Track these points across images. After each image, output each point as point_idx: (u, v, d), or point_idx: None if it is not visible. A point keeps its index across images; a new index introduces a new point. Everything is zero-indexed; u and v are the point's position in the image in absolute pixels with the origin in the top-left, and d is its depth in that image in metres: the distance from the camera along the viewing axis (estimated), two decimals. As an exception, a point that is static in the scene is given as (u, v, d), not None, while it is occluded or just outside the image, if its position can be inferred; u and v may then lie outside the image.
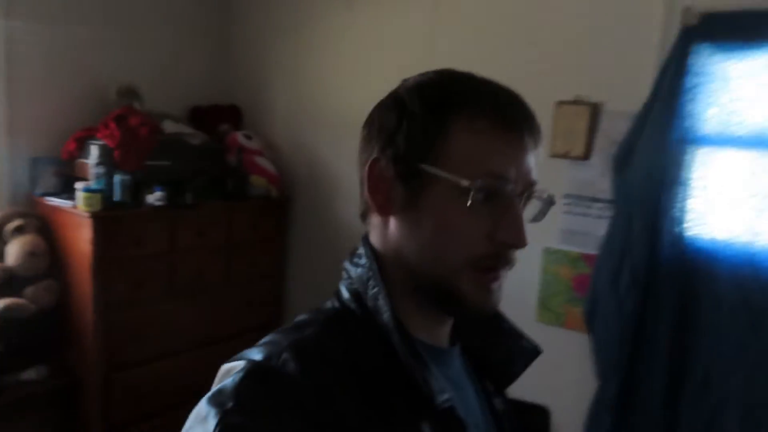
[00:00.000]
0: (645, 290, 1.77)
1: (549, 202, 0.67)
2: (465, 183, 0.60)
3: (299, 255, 2.88)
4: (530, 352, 0.76)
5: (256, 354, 0.60)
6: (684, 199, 1.73)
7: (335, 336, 0.63)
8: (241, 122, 3.00)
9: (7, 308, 2.08)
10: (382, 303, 0.63)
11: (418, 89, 0.65)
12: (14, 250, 2.17)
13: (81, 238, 2.14)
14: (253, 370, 0.57)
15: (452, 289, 0.62)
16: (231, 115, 2.98)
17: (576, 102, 1.88)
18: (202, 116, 2.90)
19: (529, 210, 0.66)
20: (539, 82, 1.75)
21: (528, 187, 0.64)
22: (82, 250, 2.14)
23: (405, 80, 0.68)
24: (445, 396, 0.61)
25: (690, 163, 1.72)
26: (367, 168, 0.66)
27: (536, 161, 0.65)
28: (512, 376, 0.76)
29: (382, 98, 0.69)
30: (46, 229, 2.28)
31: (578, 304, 1.98)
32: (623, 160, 1.78)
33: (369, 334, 0.63)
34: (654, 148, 1.71)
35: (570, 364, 2.01)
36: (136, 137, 2.30)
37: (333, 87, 2.65)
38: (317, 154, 2.77)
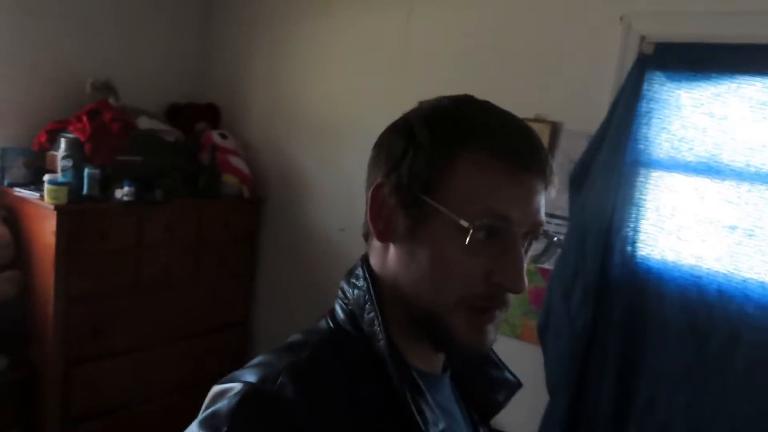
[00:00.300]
0: (595, 308, 1.81)
1: (557, 245, 0.66)
2: (464, 223, 0.58)
3: (270, 254, 2.90)
4: (512, 385, 0.76)
5: (250, 376, 0.58)
6: (636, 220, 1.78)
7: (331, 360, 0.62)
8: (218, 121, 3.01)
9: (-33, 297, 2.09)
10: (378, 330, 0.62)
11: (429, 119, 0.64)
12: (-22, 240, 2.18)
13: (46, 230, 2.14)
14: (248, 393, 0.56)
15: (445, 327, 0.62)
16: (209, 113, 2.99)
17: (537, 120, 1.92)
18: (179, 114, 2.91)
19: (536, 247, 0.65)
20: (503, 97, 1.78)
21: (534, 229, 0.62)
22: (47, 243, 2.15)
23: (421, 103, 0.67)
24: (439, 427, 0.61)
25: (642, 185, 1.76)
26: (370, 192, 0.65)
27: (546, 202, 0.63)
28: (496, 407, 0.76)
29: (395, 120, 0.67)
30: (12, 220, 2.28)
31: (534, 317, 2.02)
32: (579, 178, 1.83)
33: (364, 358, 0.63)
34: (608, 169, 1.75)
35: (524, 376, 2.03)
36: (107, 132, 2.31)
37: (307, 90, 2.68)
38: (290, 155, 2.79)
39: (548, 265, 1.96)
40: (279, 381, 0.57)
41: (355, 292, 0.66)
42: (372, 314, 0.63)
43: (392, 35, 2.36)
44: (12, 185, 2.31)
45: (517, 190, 0.60)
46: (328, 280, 2.27)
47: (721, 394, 1.66)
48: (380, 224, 0.65)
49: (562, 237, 0.73)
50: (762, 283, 1.60)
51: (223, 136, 2.80)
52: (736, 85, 1.60)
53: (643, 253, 1.78)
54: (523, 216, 0.60)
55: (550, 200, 0.64)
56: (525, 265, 0.62)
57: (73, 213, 2.13)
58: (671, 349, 1.73)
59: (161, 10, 2.85)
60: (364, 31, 2.46)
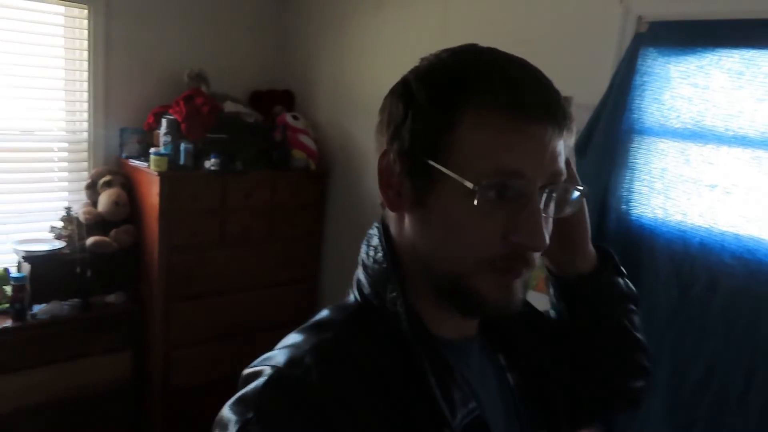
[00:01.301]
0: (594, 259, 2.05)
1: (582, 194, 0.62)
2: (469, 185, 0.55)
3: (334, 220, 3.32)
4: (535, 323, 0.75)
5: (277, 358, 0.58)
6: (630, 182, 1.99)
7: (357, 339, 0.61)
8: (293, 105, 3.47)
9: (95, 244, 2.68)
10: (401, 311, 0.61)
11: (427, 76, 0.60)
12: (103, 200, 2.77)
13: (151, 192, 2.69)
14: (274, 378, 0.56)
15: (470, 291, 0.59)
16: (285, 98, 3.46)
17: (551, 95, 2.17)
18: (260, 99, 3.40)
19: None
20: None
21: (552, 180, 0.58)
22: (152, 203, 2.70)
23: (422, 59, 0.63)
24: (469, 407, 0.60)
25: (636, 151, 1.97)
26: (377, 161, 0.63)
27: (564, 150, 0.59)
28: (525, 353, 0.73)
29: (396, 83, 0.64)
30: (128, 185, 2.86)
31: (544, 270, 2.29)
32: (583, 145, 2.06)
33: (391, 338, 0.61)
34: (606, 137, 1.98)
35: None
36: (199, 114, 2.83)
37: (363, 76, 3.06)
38: (351, 133, 3.19)
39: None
40: (304, 363, 0.57)
41: (375, 266, 0.64)
42: (394, 293, 0.61)
43: (432, 24, 2.68)
44: (128, 158, 2.89)
45: (527, 143, 0.56)
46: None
47: (700, 334, 1.85)
48: (390, 193, 0.63)
49: (586, 187, 0.63)
50: (737, 235, 1.77)
51: (295, 117, 3.25)
52: (717, 57, 1.77)
53: (636, 211, 1.99)
54: (536, 169, 0.56)
55: (570, 147, 0.60)
56: (547, 219, 0.59)
57: (171, 178, 2.66)
58: (660, 295, 1.93)
59: (245, 11, 3.34)
60: (409, 21, 2.80)
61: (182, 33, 3.09)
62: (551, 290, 0.83)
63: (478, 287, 0.59)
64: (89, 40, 2.75)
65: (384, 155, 0.62)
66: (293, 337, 0.62)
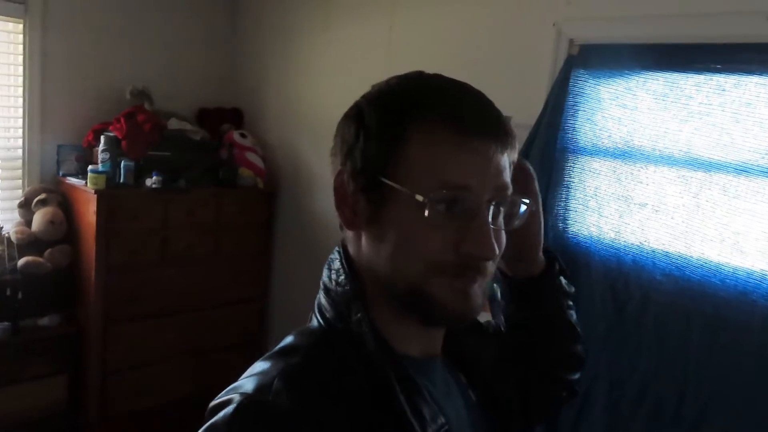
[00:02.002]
0: (533, 277, 2.07)
1: (527, 206, 0.65)
2: (419, 198, 0.58)
3: (284, 238, 3.27)
4: (493, 350, 0.79)
5: (245, 386, 0.58)
6: (566, 200, 2.03)
7: (324, 362, 0.62)
8: (242, 123, 3.44)
9: (27, 264, 2.57)
10: (367, 331, 0.62)
11: (377, 100, 0.64)
12: (38, 219, 2.66)
13: (89, 211, 2.60)
14: (244, 405, 0.56)
15: (426, 297, 0.61)
16: (233, 116, 3.42)
17: (490, 115, 2.20)
18: (207, 116, 3.36)
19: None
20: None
21: (498, 194, 0.61)
22: (90, 221, 2.61)
23: (372, 86, 0.67)
24: (439, 422, 0.61)
25: (570, 170, 2.01)
26: (333, 182, 0.66)
27: (509, 165, 0.63)
28: (481, 369, 0.76)
29: (348, 108, 0.67)
30: (65, 203, 2.77)
31: (488, 288, 2.30)
32: (521, 165, 2.09)
33: (358, 360, 0.62)
34: (542, 156, 2.01)
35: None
36: (141, 131, 2.76)
37: (311, 94, 3.06)
38: (299, 152, 3.17)
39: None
40: (273, 388, 0.57)
41: (339, 289, 0.65)
42: (359, 315, 0.63)
43: (378, 44, 2.70)
44: (65, 175, 2.80)
45: (471, 157, 0.59)
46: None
47: (636, 351, 1.87)
48: (346, 212, 0.65)
49: (528, 200, 0.66)
50: (667, 253, 1.81)
51: (243, 135, 3.21)
52: (643, 79, 1.82)
53: (572, 229, 2.02)
54: (481, 183, 0.59)
55: (512, 161, 0.64)
56: (498, 231, 0.61)
57: (109, 196, 2.58)
58: (596, 313, 1.96)
59: (194, 27, 3.30)
60: (355, 41, 2.81)
61: (126, 48, 3.03)
62: (499, 292, 0.90)
63: (433, 293, 0.60)
64: (24, 55, 2.67)
65: (338, 175, 0.65)
66: (259, 366, 0.62)
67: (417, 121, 0.60)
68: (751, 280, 1.63)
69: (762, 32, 1.59)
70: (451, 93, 0.62)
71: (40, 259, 2.64)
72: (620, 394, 1.94)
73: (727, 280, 1.67)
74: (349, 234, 0.67)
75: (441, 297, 0.61)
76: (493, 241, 0.60)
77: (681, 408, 1.80)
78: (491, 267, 0.64)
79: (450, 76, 0.66)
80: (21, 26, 2.65)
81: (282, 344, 0.65)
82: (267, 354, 0.64)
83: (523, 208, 0.66)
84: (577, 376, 0.93)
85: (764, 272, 1.61)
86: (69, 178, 2.77)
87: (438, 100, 0.61)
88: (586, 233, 2.00)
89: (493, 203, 0.61)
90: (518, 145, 0.68)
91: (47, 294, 2.68)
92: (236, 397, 0.57)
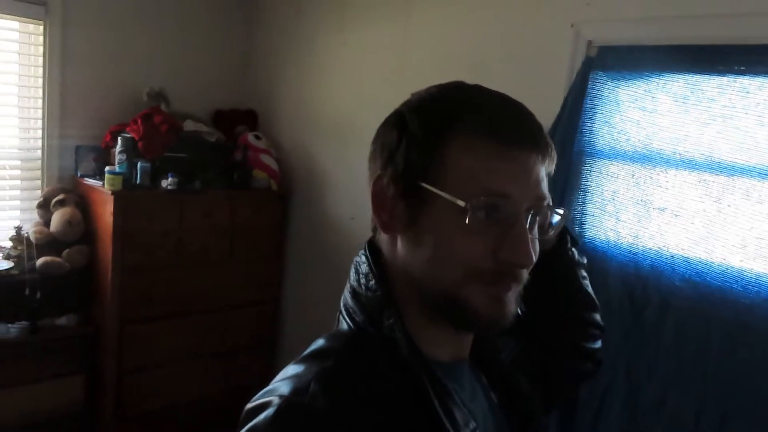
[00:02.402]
0: (549, 281, 2.05)
1: (563, 218, 0.66)
2: (461, 203, 0.59)
3: (297, 240, 3.27)
4: (513, 346, 0.80)
5: (281, 389, 0.59)
6: (582, 204, 2.00)
7: (358, 365, 0.62)
8: (256, 125, 3.45)
9: (46, 264, 2.60)
10: (400, 336, 0.62)
11: (419, 107, 0.65)
12: (56, 219, 2.69)
13: (106, 212, 2.62)
14: (284, 407, 0.56)
15: (461, 302, 0.61)
16: (248, 118, 3.43)
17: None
18: (223, 118, 3.37)
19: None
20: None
21: (536, 203, 0.62)
22: (107, 222, 2.63)
23: (413, 95, 0.68)
24: (471, 426, 0.62)
25: (588, 173, 1.98)
26: (371, 186, 0.66)
27: (546, 176, 0.64)
28: (502, 370, 0.77)
29: (388, 115, 0.69)
30: (83, 204, 2.79)
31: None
32: (538, 168, 2.07)
33: (390, 362, 0.62)
34: (559, 159, 1.98)
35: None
36: (157, 132, 2.78)
37: (325, 96, 3.06)
38: (312, 154, 3.17)
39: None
40: (310, 391, 0.57)
41: (369, 294, 0.66)
42: (392, 320, 0.63)
43: (393, 45, 2.69)
44: (83, 176, 2.82)
45: (511, 167, 0.60)
46: (342, 262, 2.61)
47: (654, 356, 1.85)
48: (384, 216, 0.66)
49: (566, 210, 0.70)
50: (686, 258, 1.78)
51: (257, 137, 3.22)
52: (663, 81, 1.79)
53: (589, 233, 1.99)
54: (521, 191, 0.60)
55: (551, 174, 0.65)
56: (533, 240, 0.62)
57: (126, 197, 2.60)
58: (614, 318, 1.93)
59: (210, 30, 3.32)
60: (369, 43, 2.81)
61: (143, 50, 3.06)
62: None
63: (469, 299, 0.61)
64: (44, 56, 2.70)
65: (378, 180, 0.66)
66: (293, 368, 0.62)
67: (459, 129, 0.61)
68: (774, 287, 1.59)
69: (787, 33, 1.56)
70: (493, 103, 0.64)
71: (59, 259, 2.66)
72: (638, 399, 1.91)
73: (750, 287, 1.64)
74: (384, 237, 0.68)
75: (476, 303, 0.61)
76: (531, 249, 0.60)
77: (701, 415, 1.77)
78: (526, 275, 0.64)
79: (486, 86, 0.67)
80: (41, 28, 2.68)
81: (314, 347, 0.66)
82: (299, 357, 0.64)
83: (557, 218, 0.67)
84: (598, 344, 0.94)
85: (788, 279, 1.58)
86: (87, 178, 2.80)
87: (480, 109, 0.63)
88: (603, 238, 1.97)
89: (531, 212, 0.61)
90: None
91: (65, 294, 2.71)
92: (275, 400, 0.57)
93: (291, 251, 3.31)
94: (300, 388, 0.58)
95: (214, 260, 2.97)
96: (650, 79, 1.83)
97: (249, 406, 0.60)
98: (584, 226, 2.01)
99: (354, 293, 0.68)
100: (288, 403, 0.56)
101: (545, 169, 0.64)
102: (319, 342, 0.66)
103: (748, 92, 1.62)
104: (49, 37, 2.69)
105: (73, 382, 2.75)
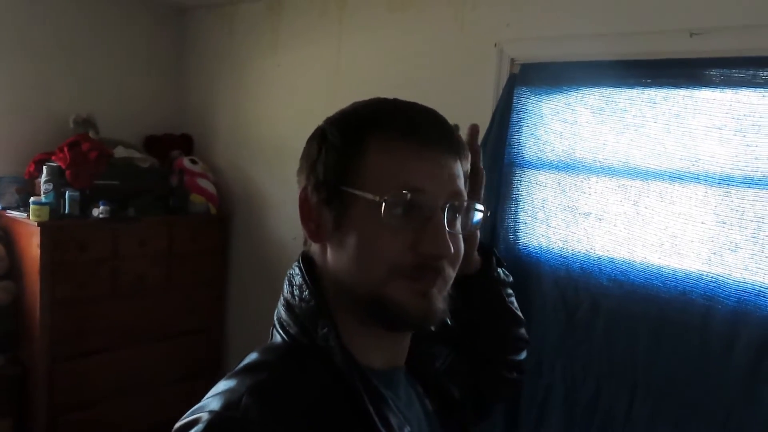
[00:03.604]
0: (487, 289, 2.12)
1: (483, 212, 0.69)
2: (376, 198, 0.61)
3: (239, 263, 3.23)
4: (446, 355, 0.81)
5: (212, 404, 0.58)
6: (515, 213, 2.09)
7: (291, 377, 0.62)
8: (192, 149, 3.40)
9: (-34, 303, 2.45)
10: (334, 345, 0.63)
11: (338, 120, 0.68)
12: (-23, 255, 2.55)
13: (32, 244, 2.50)
14: (214, 423, 0.55)
15: (387, 300, 0.62)
16: (183, 142, 3.38)
17: (439, 133, 2.26)
18: (156, 143, 3.30)
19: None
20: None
21: (452, 198, 0.64)
22: (33, 255, 2.51)
23: (336, 112, 0.71)
24: (406, 431, 0.63)
25: (518, 183, 2.08)
26: (298, 198, 0.68)
27: (462, 174, 0.66)
28: (436, 378, 0.79)
29: (303, 130, 0.72)
30: (6, 238, 2.66)
31: (445, 302, 2.33)
32: (471, 180, 2.15)
33: (325, 373, 0.62)
34: (490, 171, 2.06)
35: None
36: (85, 160, 2.69)
37: (261, 117, 3.06)
38: (251, 175, 3.15)
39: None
40: (242, 404, 0.56)
41: (303, 305, 0.66)
42: (326, 329, 0.63)
43: (326, 67, 2.74)
44: (5, 208, 2.69)
45: (425, 165, 0.63)
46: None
47: (588, 356, 1.94)
48: (311, 225, 0.68)
49: (481, 205, 0.69)
50: (611, 259, 1.89)
51: (193, 161, 3.17)
52: (581, 95, 1.92)
53: (522, 240, 2.09)
54: (436, 187, 0.63)
55: (467, 173, 0.68)
56: (454, 235, 0.64)
57: (54, 228, 2.49)
58: (549, 320, 2.02)
59: (139, 54, 3.26)
60: (303, 65, 2.85)
61: (69, 77, 2.97)
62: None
63: (394, 296, 0.62)
64: (-41, 84, 2.57)
65: (303, 191, 0.68)
66: (224, 384, 0.61)
67: (376, 134, 0.64)
68: (689, 281, 1.72)
69: (686, 48, 1.71)
70: (407, 109, 0.67)
71: (-20, 297, 2.51)
72: (575, 397, 2.00)
73: (668, 282, 1.76)
74: (315, 247, 0.70)
75: (401, 299, 0.62)
76: (448, 239, 0.62)
77: (632, 409, 1.87)
78: (449, 271, 0.66)
79: (393, 92, 0.72)
80: (-45, 56, 2.56)
81: (246, 361, 0.65)
82: (231, 372, 0.64)
83: (479, 215, 0.70)
84: (523, 356, 0.98)
85: (701, 272, 1.71)
86: (9, 211, 2.66)
87: (395, 115, 0.66)
88: (536, 244, 2.06)
89: (448, 207, 0.63)
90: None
91: (-12, 333, 2.55)
92: (204, 416, 0.56)
93: (233, 274, 3.26)
94: (232, 402, 0.57)
95: (152, 288, 2.88)
96: (569, 93, 1.95)
97: (178, 424, 0.58)
98: (518, 234, 2.09)
99: (287, 305, 0.68)
100: (219, 418, 0.55)
101: (460, 167, 0.67)
102: (252, 356, 0.66)
103: (655, 102, 1.76)
104: (-36, 65, 2.58)
105: (0, 427, 2.58)
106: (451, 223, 0.64)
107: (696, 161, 1.71)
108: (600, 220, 1.91)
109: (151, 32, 3.31)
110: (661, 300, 1.78)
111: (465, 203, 0.67)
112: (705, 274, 1.71)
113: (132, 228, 2.78)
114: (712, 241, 1.69)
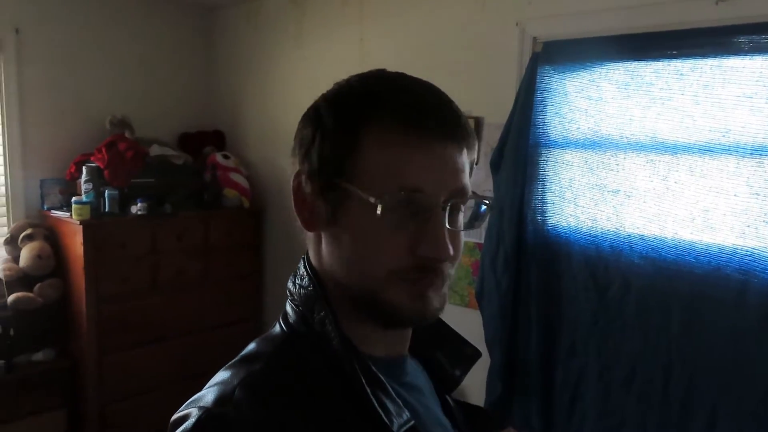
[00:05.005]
0: (516, 271, 2.11)
1: (489, 208, 0.65)
2: (372, 199, 0.57)
3: (273, 256, 3.30)
4: (469, 358, 0.76)
5: (206, 398, 0.57)
6: (542, 193, 2.07)
7: (287, 367, 0.61)
8: (224, 144, 3.47)
9: (17, 300, 2.58)
10: (330, 329, 0.61)
11: (334, 100, 0.63)
12: (25, 254, 2.67)
13: (76, 242, 2.62)
14: (203, 420, 0.54)
15: (385, 303, 0.60)
16: (215, 138, 3.46)
17: (463, 117, 2.26)
18: (189, 140, 3.39)
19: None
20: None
21: (455, 195, 0.60)
22: (77, 253, 2.62)
23: (334, 84, 0.66)
24: (404, 417, 0.60)
25: (544, 163, 2.06)
26: (291, 183, 0.65)
27: (468, 165, 0.62)
28: (454, 381, 0.75)
29: (308, 107, 0.67)
30: (52, 237, 2.78)
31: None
32: (496, 162, 2.14)
33: (322, 360, 0.61)
34: (516, 152, 2.06)
35: (474, 339, 2.34)
36: (122, 159, 2.79)
37: (290, 109, 3.10)
38: (283, 168, 3.20)
39: (482, 240, 2.27)
40: (234, 398, 0.55)
41: (302, 291, 0.65)
42: (322, 313, 0.62)
43: (349, 55, 2.76)
44: (50, 209, 2.81)
45: (425, 159, 0.58)
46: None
47: (621, 334, 1.92)
48: (305, 214, 0.64)
49: (489, 200, 0.66)
50: (642, 236, 1.86)
51: (226, 156, 3.24)
52: (605, 71, 1.88)
53: (551, 221, 2.07)
54: (436, 184, 0.58)
55: (475, 162, 0.63)
56: (456, 233, 0.61)
57: (95, 226, 2.60)
58: (580, 301, 2.00)
59: (170, 53, 3.34)
60: (327, 54, 2.87)
61: (103, 79, 3.07)
62: None
63: (391, 299, 0.59)
64: (1, 92, 2.70)
65: (296, 177, 0.64)
66: (220, 375, 0.61)
67: (372, 123, 0.59)
68: (723, 255, 1.68)
69: (712, 16, 1.66)
70: (408, 92, 0.61)
71: (31, 295, 2.64)
72: (610, 377, 1.98)
73: (701, 257, 1.72)
74: (309, 235, 0.67)
75: (399, 302, 0.60)
76: (448, 242, 0.59)
77: (668, 387, 1.84)
78: (449, 270, 0.62)
79: (414, 76, 0.64)
80: (-4, 63, 2.69)
81: (244, 352, 0.64)
82: (229, 363, 0.63)
83: (483, 208, 0.66)
84: None
85: (735, 247, 1.66)
86: (54, 211, 2.79)
87: (393, 100, 0.60)
88: (564, 224, 2.04)
89: (450, 204, 0.59)
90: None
91: (40, 329, 2.68)
92: (194, 411, 0.55)
93: (268, 266, 3.33)
94: (225, 396, 0.56)
95: (191, 282, 2.98)
96: (593, 69, 1.92)
97: (174, 417, 0.57)
98: (545, 215, 2.08)
99: (290, 295, 0.67)
100: (208, 415, 0.54)
101: (466, 159, 0.61)
102: (250, 346, 0.65)
103: (682, 74, 1.71)
104: (4, 73, 2.70)
105: (54, 417, 2.71)
106: (453, 220, 0.61)
107: (727, 132, 1.66)
108: (629, 197, 1.88)
109: (180, 31, 3.39)
110: (694, 276, 1.74)
111: (469, 199, 0.62)
112: (739, 247, 1.66)
113: (169, 224, 2.87)
114: (746, 214, 1.64)
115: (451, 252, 0.59)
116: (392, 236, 0.58)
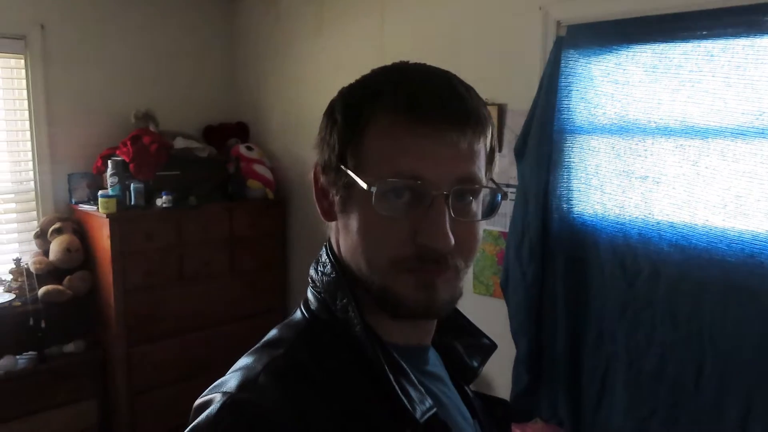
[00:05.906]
0: (542, 260, 2.08)
1: (499, 196, 0.63)
2: (365, 186, 0.58)
3: (299, 246, 3.31)
4: (487, 349, 0.76)
5: (229, 383, 0.57)
6: (567, 180, 2.03)
7: (310, 353, 0.61)
8: (247, 136, 3.49)
9: (48, 293, 2.63)
10: (353, 315, 0.61)
11: (347, 93, 0.64)
12: (55, 247, 2.73)
13: (103, 235, 2.66)
14: (227, 404, 0.54)
15: (391, 293, 0.59)
16: (238, 130, 3.48)
17: (486, 104, 2.22)
18: (213, 133, 3.42)
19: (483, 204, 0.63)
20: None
21: (458, 183, 0.58)
22: (104, 246, 2.67)
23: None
24: (426, 405, 0.59)
25: (569, 150, 2.02)
26: (313, 174, 0.67)
27: (476, 152, 0.59)
28: (472, 373, 0.76)
29: None
30: (80, 230, 2.83)
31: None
32: (520, 150, 2.11)
33: (344, 346, 0.61)
34: (540, 139, 2.02)
35: (499, 328, 2.32)
36: (147, 152, 2.82)
37: (312, 99, 3.10)
38: (306, 158, 3.20)
39: (507, 229, 2.24)
40: (258, 384, 0.56)
41: (324, 278, 0.65)
42: (345, 300, 0.62)
43: (370, 43, 2.74)
44: (78, 203, 2.86)
45: (425, 147, 0.57)
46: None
47: (650, 324, 1.87)
48: (324, 204, 0.66)
49: (498, 187, 0.63)
50: (672, 223, 1.81)
51: (249, 148, 3.25)
52: (631, 53, 1.83)
53: (577, 209, 2.03)
54: (438, 172, 0.57)
55: (488, 149, 0.61)
56: (465, 219, 0.60)
57: (121, 219, 2.64)
58: (608, 289, 1.96)
59: (192, 47, 3.36)
60: (348, 42, 2.86)
61: (127, 74, 3.10)
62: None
63: (396, 289, 0.59)
64: (28, 89, 2.74)
65: (315, 168, 0.66)
66: (243, 360, 0.61)
67: (377, 111, 0.59)
68: (757, 243, 1.62)
69: (745, -6, 1.59)
70: (413, 81, 0.60)
71: (60, 287, 2.70)
72: (640, 367, 1.94)
73: (734, 245, 1.67)
74: (330, 225, 0.67)
75: (401, 292, 0.59)
76: (448, 232, 0.57)
77: (700, 377, 1.79)
78: (459, 262, 0.60)
79: (432, 66, 0.63)
80: (22, 61, 2.73)
81: (266, 338, 0.65)
82: (252, 348, 0.63)
83: (498, 198, 0.63)
84: None
85: (770, 233, 1.61)
86: (81, 205, 2.84)
87: (399, 88, 0.59)
88: (591, 212, 2.00)
89: (454, 192, 0.57)
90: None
91: (70, 320, 2.74)
92: (218, 396, 0.55)
93: (293, 257, 3.35)
94: (248, 382, 0.56)
95: (217, 273, 3.01)
96: (619, 52, 1.86)
97: (197, 401, 0.58)
98: (571, 202, 2.04)
99: (312, 282, 0.68)
100: (232, 400, 0.54)
101: (475, 144, 0.59)
102: (272, 332, 0.65)
103: (712, 56, 1.66)
104: (30, 70, 2.74)
105: (86, 407, 2.78)
106: (459, 209, 0.58)
107: (760, 115, 1.60)
108: (658, 183, 1.83)
109: (202, 24, 3.40)
110: (726, 264, 1.69)
111: (480, 187, 0.60)
112: (775, 234, 1.60)
113: (194, 216, 2.89)
114: (782, 199, 1.59)
115: (452, 242, 0.57)
116: (393, 224, 0.58)
